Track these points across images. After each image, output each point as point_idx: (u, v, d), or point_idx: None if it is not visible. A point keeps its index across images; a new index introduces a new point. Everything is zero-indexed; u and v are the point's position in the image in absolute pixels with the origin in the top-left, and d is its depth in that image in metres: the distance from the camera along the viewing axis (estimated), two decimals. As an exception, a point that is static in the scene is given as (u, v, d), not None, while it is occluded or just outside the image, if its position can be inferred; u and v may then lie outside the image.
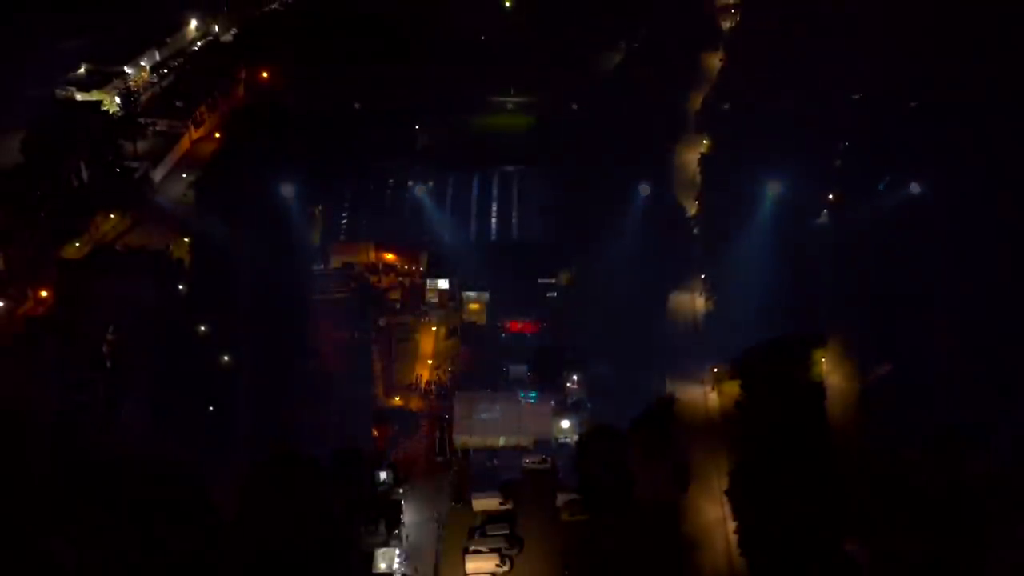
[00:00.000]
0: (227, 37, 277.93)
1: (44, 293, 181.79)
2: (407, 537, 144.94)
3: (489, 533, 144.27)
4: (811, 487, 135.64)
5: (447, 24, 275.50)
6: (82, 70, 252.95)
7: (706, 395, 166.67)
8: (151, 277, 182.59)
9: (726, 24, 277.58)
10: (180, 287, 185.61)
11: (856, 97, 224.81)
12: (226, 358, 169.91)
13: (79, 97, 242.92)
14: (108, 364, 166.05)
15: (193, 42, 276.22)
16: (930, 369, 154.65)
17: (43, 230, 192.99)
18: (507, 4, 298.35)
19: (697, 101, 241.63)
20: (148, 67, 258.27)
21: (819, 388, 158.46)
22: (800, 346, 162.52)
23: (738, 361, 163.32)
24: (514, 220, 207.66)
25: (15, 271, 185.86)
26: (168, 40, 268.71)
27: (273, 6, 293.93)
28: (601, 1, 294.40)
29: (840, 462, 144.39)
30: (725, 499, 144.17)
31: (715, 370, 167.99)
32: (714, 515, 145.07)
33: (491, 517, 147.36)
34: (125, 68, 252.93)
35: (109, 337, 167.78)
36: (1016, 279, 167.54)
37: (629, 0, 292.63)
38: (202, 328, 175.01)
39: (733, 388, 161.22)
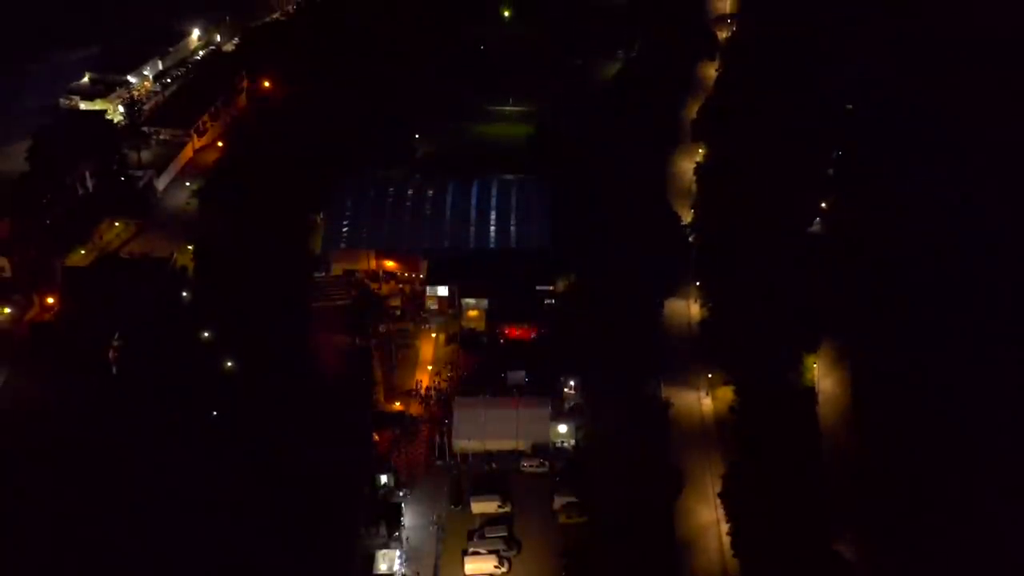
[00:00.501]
0: (229, 47, 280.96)
1: (50, 299, 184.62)
2: (407, 539, 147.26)
3: (488, 535, 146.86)
4: (802, 490, 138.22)
5: (447, 33, 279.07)
6: (86, 79, 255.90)
7: (700, 400, 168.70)
8: (155, 284, 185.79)
9: (722, 34, 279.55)
10: (184, 294, 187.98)
11: (850, 107, 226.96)
12: (229, 364, 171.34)
13: (83, 106, 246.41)
14: (113, 370, 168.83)
15: (195, 51, 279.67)
16: (920, 374, 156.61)
17: (49, 237, 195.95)
18: (506, 14, 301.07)
19: (693, 110, 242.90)
20: (151, 76, 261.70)
21: (811, 393, 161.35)
22: (793, 352, 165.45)
23: (732, 367, 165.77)
24: (512, 228, 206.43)
25: (21, 278, 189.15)
26: (171, 49, 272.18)
27: (275, 16, 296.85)
28: (599, 11, 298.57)
29: (830, 465, 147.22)
30: (718, 502, 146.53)
31: (710, 376, 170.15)
32: (708, 517, 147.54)
33: (490, 519, 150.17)
34: (128, 77, 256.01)
35: (115, 343, 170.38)
36: (1008, 285, 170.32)
37: (627, 10, 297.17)
38: (205, 334, 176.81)
39: (727, 393, 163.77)
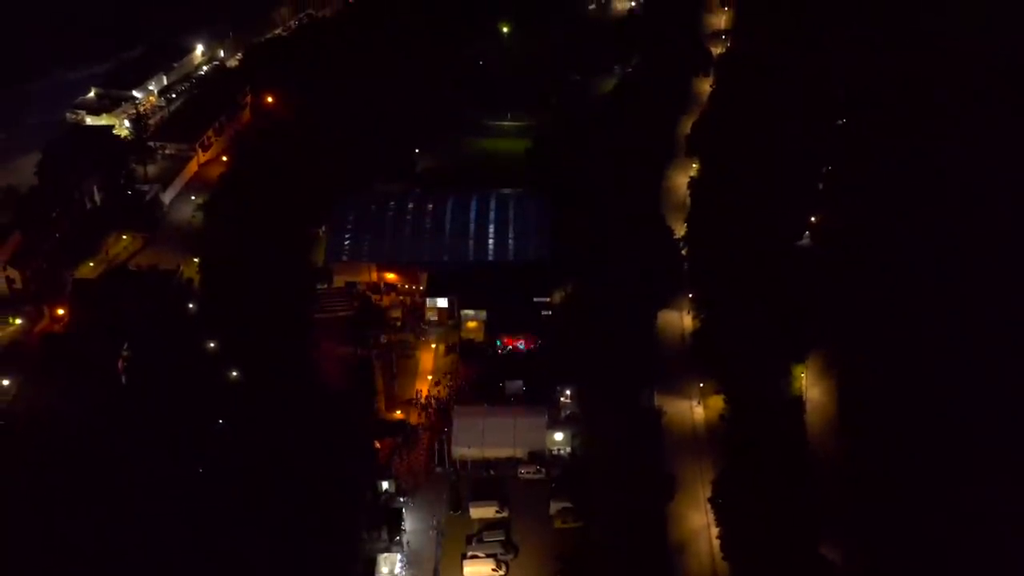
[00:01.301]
0: (232, 62, 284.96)
1: (60, 311, 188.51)
2: (408, 543, 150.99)
3: (486, 539, 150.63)
4: (789, 495, 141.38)
5: (447, 49, 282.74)
6: (92, 94, 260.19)
7: (693, 409, 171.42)
8: (162, 296, 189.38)
9: (717, 50, 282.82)
10: (190, 305, 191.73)
11: (841, 122, 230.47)
12: (234, 374, 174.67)
13: (89, 120, 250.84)
14: (123, 379, 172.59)
15: (199, 67, 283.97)
16: (906, 385, 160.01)
17: (58, 250, 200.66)
18: (505, 29, 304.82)
19: (688, 125, 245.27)
20: (156, 91, 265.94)
21: (799, 402, 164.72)
22: (782, 363, 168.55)
23: (723, 376, 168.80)
24: (510, 241, 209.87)
25: (32, 289, 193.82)
26: (175, 65, 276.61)
27: (277, 31, 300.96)
28: (597, 26, 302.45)
29: (817, 472, 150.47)
30: (709, 507, 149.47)
31: (701, 385, 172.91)
32: (698, 522, 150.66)
33: (488, 524, 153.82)
34: (134, 92, 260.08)
35: (124, 353, 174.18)
36: (993, 299, 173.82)
37: (625, 26, 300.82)
38: (211, 345, 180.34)
39: (718, 402, 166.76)
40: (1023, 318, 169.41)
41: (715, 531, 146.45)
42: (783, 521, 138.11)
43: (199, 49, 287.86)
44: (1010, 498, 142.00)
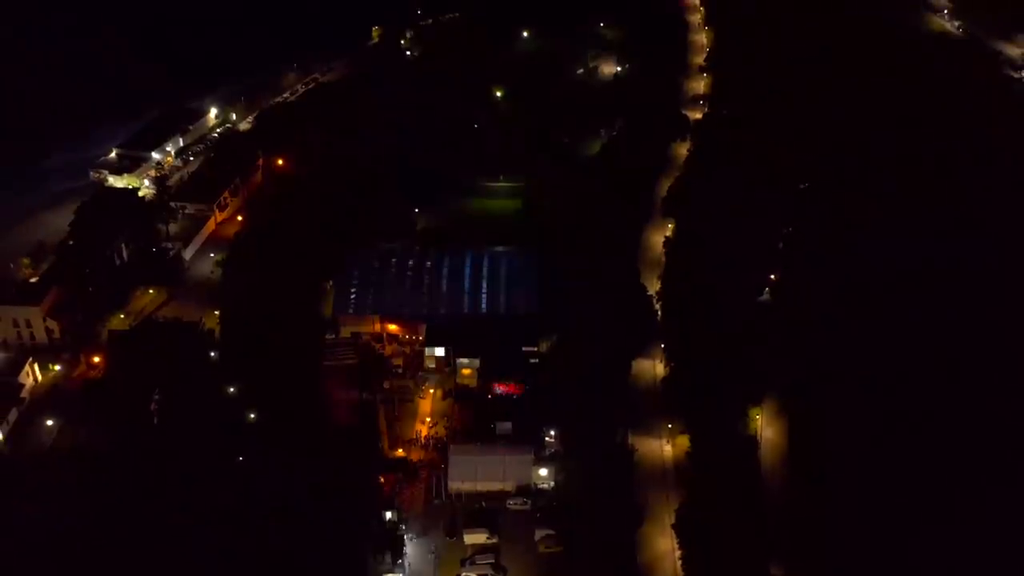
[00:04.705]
0: (245, 125, 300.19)
1: (96, 359, 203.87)
2: (409, 565, 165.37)
3: (478, 562, 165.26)
4: (743, 522, 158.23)
5: (443, 113, 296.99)
6: (113, 155, 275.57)
7: (663, 447, 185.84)
8: (187, 345, 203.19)
9: (695, 115, 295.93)
10: (212, 354, 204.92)
11: (803, 186, 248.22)
12: (252, 415, 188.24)
13: (111, 180, 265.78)
14: (155, 420, 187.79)
15: (213, 129, 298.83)
16: (847, 427, 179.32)
17: (91, 303, 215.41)
18: (499, 94, 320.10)
19: (665, 187, 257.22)
20: (173, 152, 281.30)
21: (754, 441, 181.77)
22: (740, 406, 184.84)
23: (689, 418, 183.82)
24: (502, 295, 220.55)
25: (69, 339, 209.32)
26: (190, 127, 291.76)
27: (285, 96, 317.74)
28: (584, 92, 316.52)
29: (768, 501, 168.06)
30: (673, 532, 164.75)
31: (670, 425, 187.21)
32: (665, 546, 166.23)
33: (480, 549, 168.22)
34: (153, 153, 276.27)
35: (155, 397, 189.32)
36: (933, 358, 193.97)
37: (609, 92, 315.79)
38: (231, 389, 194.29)
39: (685, 441, 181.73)
40: (955, 372, 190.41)
41: (679, 553, 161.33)
42: (738, 544, 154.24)
43: (212, 112, 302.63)
44: (937, 526, 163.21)
